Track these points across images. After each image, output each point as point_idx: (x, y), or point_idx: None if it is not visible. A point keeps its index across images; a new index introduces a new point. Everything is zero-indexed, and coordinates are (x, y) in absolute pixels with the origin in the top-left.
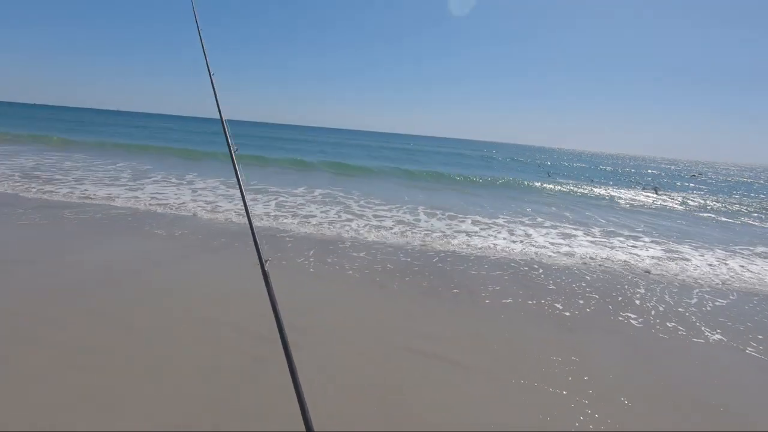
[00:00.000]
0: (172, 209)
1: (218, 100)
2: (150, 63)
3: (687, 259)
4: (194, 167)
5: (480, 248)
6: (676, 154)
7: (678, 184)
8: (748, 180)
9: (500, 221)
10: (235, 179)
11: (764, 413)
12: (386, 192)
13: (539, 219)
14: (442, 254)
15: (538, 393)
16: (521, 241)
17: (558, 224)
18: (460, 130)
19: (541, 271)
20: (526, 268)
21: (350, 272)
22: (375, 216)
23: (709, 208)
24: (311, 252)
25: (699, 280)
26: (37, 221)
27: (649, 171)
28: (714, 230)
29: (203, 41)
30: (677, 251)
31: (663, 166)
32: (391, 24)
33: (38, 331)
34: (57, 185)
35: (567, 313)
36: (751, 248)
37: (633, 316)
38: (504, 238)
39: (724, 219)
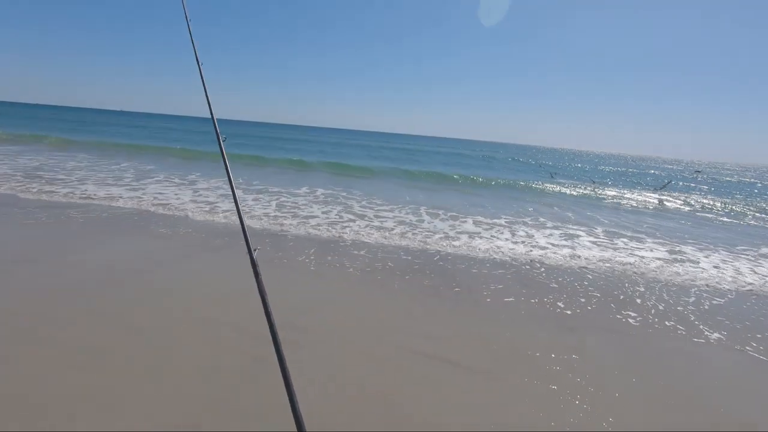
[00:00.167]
0: (173, 209)
1: (206, 89)
2: (150, 63)
3: (693, 261)
4: (196, 167)
5: (483, 249)
6: (677, 154)
7: (681, 183)
8: (751, 180)
9: (504, 222)
10: (225, 170)
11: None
12: (388, 192)
13: (541, 219)
14: (443, 253)
15: (539, 393)
16: (523, 242)
17: (561, 225)
18: (459, 130)
19: (542, 270)
20: (527, 267)
21: (351, 271)
22: (377, 216)
23: (712, 209)
24: (312, 251)
25: (699, 281)
26: (42, 221)
27: (651, 171)
28: (717, 231)
29: (191, 30)
30: (682, 252)
31: (666, 166)
32: (391, 24)
33: (38, 330)
34: (59, 185)
35: (568, 312)
36: (755, 249)
37: (633, 314)
38: (506, 239)
39: (725, 219)
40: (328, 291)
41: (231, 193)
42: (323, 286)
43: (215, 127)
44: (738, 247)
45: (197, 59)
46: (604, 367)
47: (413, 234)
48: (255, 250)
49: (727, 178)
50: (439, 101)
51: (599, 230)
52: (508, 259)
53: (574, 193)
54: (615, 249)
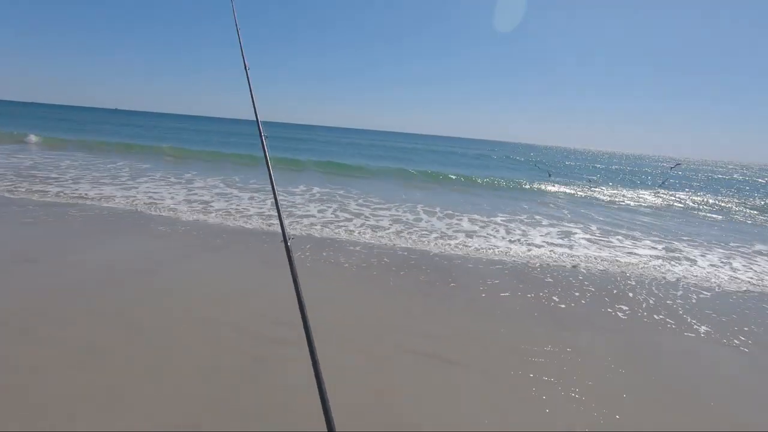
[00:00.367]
0: (169, 209)
1: (253, 94)
2: (150, 63)
3: (689, 259)
4: (193, 166)
5: (479, 247)
6: (670, 152)
7: (678, 183)
8: (743, 177)
9: (500, 220)
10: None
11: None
12: (384, 191)
13: (537, 217)
14: (439, 250)
15: (534, 390)
16: (518, 240)
17: (557, 222)
18: (454, 129)
19: (538, 267)
20: (522, 264)
21: (348, 268)
22: (373, 215)
23: (702, 206)
24: (307, 246)
25: (691, 278)
26: (40, 220)
27: (646, 169)
28: (711, 228)
29: (241, 40)
30: (677, 249)
31: (661, 164)
32: (391, 24)
33: (39, 330)
34: (53, 183)
35: (563, 307)
36: (749, 246)
37: (628, 310)
38: (502, 237)
39: (716, 216)
40: (327, 289)
41: (270, 180)
42: (321, 284)
43: (259, 129)
44: (731, 244)
45: (245, 65)
46: (600, 364)
47: (409, 232)
48: (291, 239)
49: (719, 176)
50: (433, 101)
51: (594, 228)
52: (503, 256)
53: (571, 192)
54: (610, 247)
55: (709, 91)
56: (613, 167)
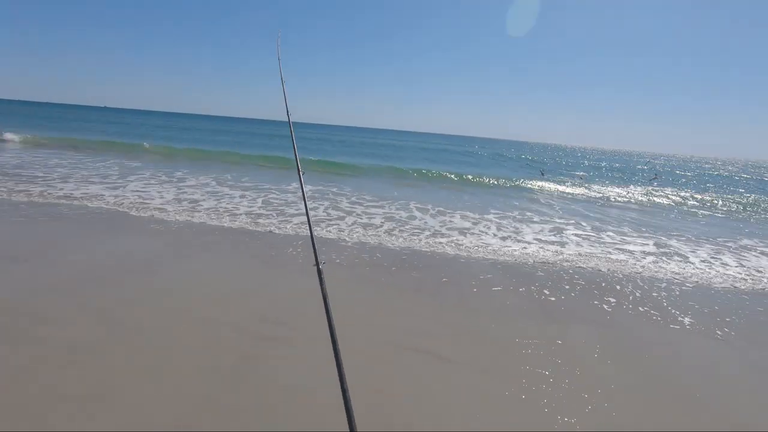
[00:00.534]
0: (155, 208)
1: (294, 140)
2: (139, 59)
3: (680, 255)
4: (184, 164)
5: (471, 244)
6: (660, 148)
7: (670, 179)
8: (728, 173)
9: (493, 217)
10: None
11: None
12: (376, 189)
13: (528, 213)
14: (432, 248)
15: (526, 383)
16: (510, 237)
17: (549, 219)
18: (444, 126)
19: (529, 262)
20: (514, 260)
21: (338, 262)
22: (365, 212)
23: (700, 203)
24: (299, 243)
25: (675, 273)
26: (36, 219)
27: (638, 167)
28: (698, 225)
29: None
30: (667, 245)
31: (646, 160)
32: (379, 23)
33: (38, 330)
34: (40, 183)
35: (553, 298)
36: (736, 241)
37: (614, 302)
38: (493, 234)
39: (704, 212)
40: (317, 287)
41: (304, 207)
42: (313, 283)
43: (295, 154)
44: (718, 239)
45: (282, 80)
46: (590, 356)
47: (401, 229)
48: (323, 262)
49: (708, 172)
50: (426, 98)
51: (585, 224)
52: (495, 252)
53: (561, 189)
54: (601, 243)
55: (694, 87)
56: (602, 164)
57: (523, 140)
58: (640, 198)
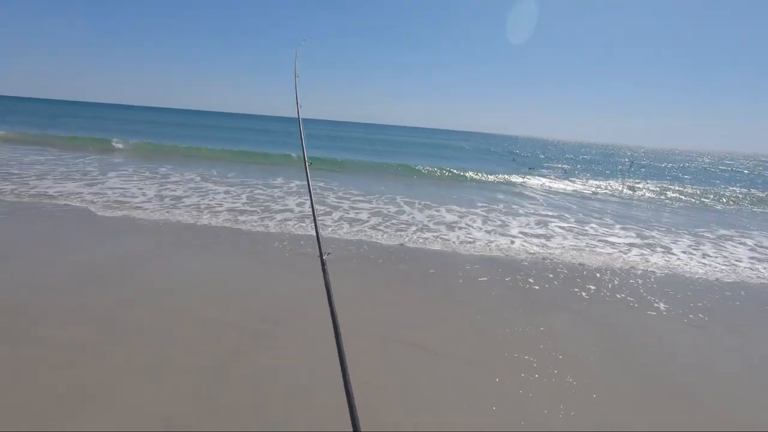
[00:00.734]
0: (134, 206)
1: (303, 137)
2: (124, 52)
3: (662, 246)
4: (169, 160)
5: (459, 238)
6: (640, 141)
7: (644, 170)
8: (705, 167)
9: (480, 211)
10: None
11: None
12: (363, 183)
13: (514, 206)
14: (419, 242)
15: (511, 375)
16: (494, 230)
17: (534, 213)
18: (427, 120)
19: (515, 255)
20: (498, 253)
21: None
22: (352, 207)
23: (678, 194)
24: (285, 242)
25: (662, 262)
26: (33, 217)
27: (619, 159)
28: (677, 216)
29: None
30: (649, 237)
31: (634, 154)
32: (370, 15)
33: (38, 330)
34: (17, 181)
35: (537, 287)
36: (713, 231)
37: (595, 293)
38: (478, 227)
39: (682, 204)
40: (305, 282)
41: (310, 204)
42: (299, 277)
43: (301, 135)
44: (696, 230)
45: (296, 99)
46: (575, 348)
47: (389, 223)
48: (327, 254)
49: (683, 165)
50: (413, 91)
51: (569, 216)
52: (481, 244)
53: (546, 182)
54: (585, 234)
55: (687, 81)
56: (584, 157)
57: (512, 134)
58: (621, 189)
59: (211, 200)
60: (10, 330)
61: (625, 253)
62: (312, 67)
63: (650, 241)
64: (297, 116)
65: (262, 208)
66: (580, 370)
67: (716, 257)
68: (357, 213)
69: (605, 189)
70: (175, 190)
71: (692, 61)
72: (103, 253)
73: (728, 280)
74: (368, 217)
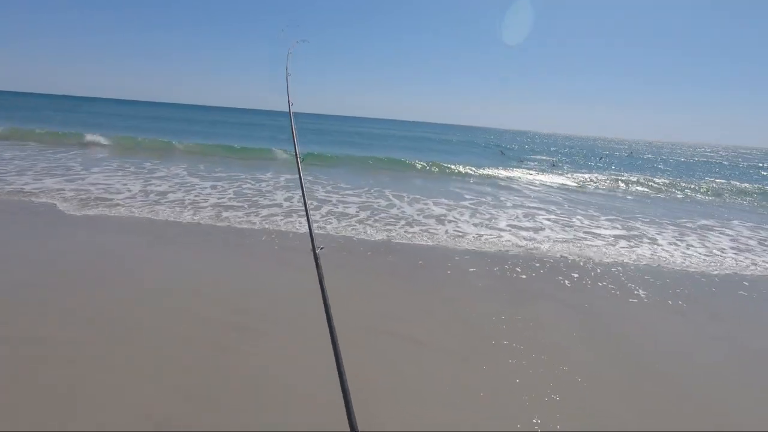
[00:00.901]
0: (124, 202)
1: (295, 133)
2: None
3: (648, 236)
4: (151, 156)
5: (447, 231)
6: (621, 133)
7: (624, 162)
8: (689, 160)
9: (468, 204)
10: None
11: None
12: (352, 177)
13: (501, 198)
14: (408, 235)
15: (499, 367)
16: (482, 224)
17: (521, 206)
18: (414, 113)
19: (501, 247)
20: (486, 245)
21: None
22: (341, 201)
23: (661, 186)
24: (273, 237)
25: (647, 252)
26: (29, 217)
27: (603, 152)
28: (658, 208)
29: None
30: (634, 228)
31: (615, 145)
32: (350, 10)
33: (38, 330)
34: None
35: (524, 277)
36: (694, 221)
37: (583, 284)
38: (465, 220)
39: (662, 196)
40: (290, 275)
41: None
42: (285, 271)
43: (292, 130)
44: (679, 221)
45: (288, 98)
46: (564, 339)
47: (377, 217)
48: (320, 248)
49: (665, 158)
50: (400, 84)
51: (555, 208)
52: (470, 237)
53: (533, 175)
54: (571, 226)
55: (683, 76)
56: (567, 150)
57: (488, 126)
58: (607, 182)
59: (198, 196)
60: (11, 330)
61: (616, 246)
62: (299, 59)
63: (636, 232)
64: (288, 112)
65: (251, 202)
66: (568, 363)
67: (700, 247)
68: (346, 207)
69: (590, 180)
70: (159, 186)
71: (682, 52)
72: (82, 250)
73: (713, 271)
74: (357, 211)
